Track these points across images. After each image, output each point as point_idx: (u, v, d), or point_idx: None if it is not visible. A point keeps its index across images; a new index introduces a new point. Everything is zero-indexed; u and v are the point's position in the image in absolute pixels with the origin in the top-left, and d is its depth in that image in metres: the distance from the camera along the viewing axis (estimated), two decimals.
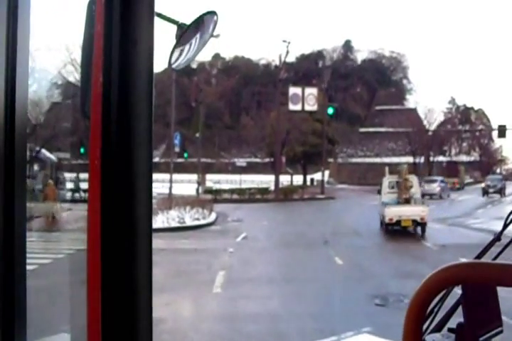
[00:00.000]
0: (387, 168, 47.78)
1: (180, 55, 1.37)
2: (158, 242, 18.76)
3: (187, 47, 1.37)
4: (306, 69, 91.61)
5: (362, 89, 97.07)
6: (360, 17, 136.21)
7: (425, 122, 71.60)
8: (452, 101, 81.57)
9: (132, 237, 0.93)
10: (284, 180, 65.27)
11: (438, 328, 1.29)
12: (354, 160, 76.71)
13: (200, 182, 37.53)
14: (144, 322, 0.95)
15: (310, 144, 49.86)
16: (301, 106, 37.85)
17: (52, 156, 31.78)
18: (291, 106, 37.92)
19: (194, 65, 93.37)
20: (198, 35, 1.38)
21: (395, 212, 20.28)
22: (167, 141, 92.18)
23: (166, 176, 67.21)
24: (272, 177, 66.55)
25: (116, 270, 0.92)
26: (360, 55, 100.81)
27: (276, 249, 17.20)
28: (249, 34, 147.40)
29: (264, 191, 38.19)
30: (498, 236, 1.47)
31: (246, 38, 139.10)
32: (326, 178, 63.16)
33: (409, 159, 67.77)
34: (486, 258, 1.37)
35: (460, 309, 1.18)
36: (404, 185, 21.76)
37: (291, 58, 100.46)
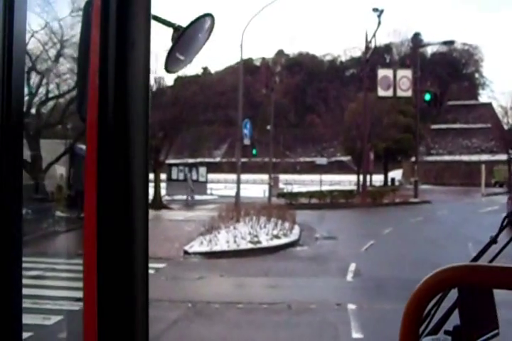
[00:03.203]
0: (483, 167, 38.54)
1: (176, 57, 1.30)
2: (219, 282, 11.17)
3: (184, 50, 1.31)
4: (374, 63, 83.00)
5: (432, 84, 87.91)
6: (430, 8, 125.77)
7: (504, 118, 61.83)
8: None
9: (130, 238, 0.90)
10: (353, 180, 57.44)
11: (435, 331, 1.24)
12: (429, 158, 68.09)
13: (273, 184, 29.79)
14: (141, 324, 0.91)
15: (393, 139, 41.47)
16: (393, 92, 29.66)
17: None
18: (381, 92, 29.79)
19: (257, 63, 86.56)
20: (194, 38, 1.33)
21: None
22: (229, 141, 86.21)
23: (228, 176, 60.66)
24: (342, 178, 59.46)
25: (112, 272, 0.89)
26: (430, 48, 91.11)
27: None
28: (313, 30, 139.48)
29: (349, 194, 30.22)
30: (494, 239, 1.38)
31: (310, 34, 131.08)
32: (398, 178, 55.22)
33: (485, 157, 60.34)
34: (483, 261, 1.23)
35: (457, 312, 1.15)
36: None
37: (357, 52, 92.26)
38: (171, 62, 1.29)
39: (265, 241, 15.56)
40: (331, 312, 8.71)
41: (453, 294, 1.12)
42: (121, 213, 0.89)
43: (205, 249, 14.57)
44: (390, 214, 25.75)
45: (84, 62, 0.94)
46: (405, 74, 30.18)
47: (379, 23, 27.21)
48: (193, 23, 1.32)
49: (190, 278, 11.42)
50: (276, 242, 15.71)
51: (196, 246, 14.82)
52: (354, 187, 43.75)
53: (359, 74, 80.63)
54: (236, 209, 18.47)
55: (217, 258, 14.11)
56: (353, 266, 12.36)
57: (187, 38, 1.30)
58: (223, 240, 15.20)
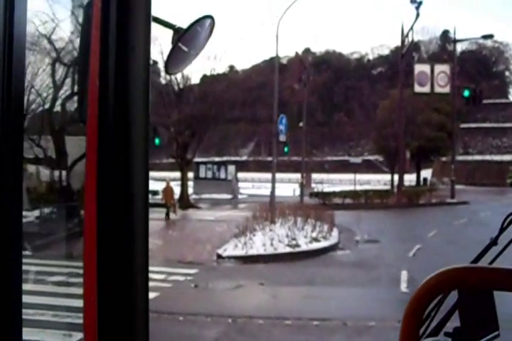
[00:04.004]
0: None
1: (177, 58, 1.30)
2: (259, 292, 9.93)
3: (184, 51, 1.30)
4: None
5: (462, 82, 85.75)
6: (458, 5, 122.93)
7: None
8: None
9: (129, 239, 0.89)
10: (382, 179, 55.79)
11: (435, 332, 1.23)
12: (460, 158, 66.17)
13: (305, 183, 28.47)
14: (141, 324, 0.92)
15: (426, 138, 39.77)
16: (430, 88, 28.04)
17: None
18: (418, 88, 28.16)
19: (284, 61, 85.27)
20: (194, 39, 1.31)
21: None
22: (256, 139, 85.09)
23: (255, 175, 59.55)
24: (370, 177, 57.86)
25: (112, 272, 0.88)
26: (460, 46, 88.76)
27: None
28: (340, 28, 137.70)
29: (385, 194, 28.75)
30: (494, 241, 1.35)
31: (337, 32, 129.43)
32: (428, 177, 53.44)
33: None
34: (483, 263, 1.28)
35: (457, 313, 1.15)
36: None
37: (384, 51, 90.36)
38: (172, 63, 1.29)
39: (304, 245, 14.27)
40: (395, 331, 7.40)
41: (453, 296, 1.10)
42: (121, 213, 0.88)
43: (240, 252, 13.35)
44: (429, 216, 24.23)
45: (84, 64, 0.93)
46: (443, 70, 28.56)
47: (417, 15, 25.69)
48: (193, 24, 1.31)
49: (226, 286, 10.18)
50: (315, 245, 14.41)
51: (230, 250, 13.61)
52: (384, 187, 42.30)
53: (388, 71, 79.01)
54: (271, 210, 17.19)
55: (253, 262, 12.89)
56: (404, 274, 11.01)
57: (187, 40, 1.28)
58: (259, 243, 13.95)
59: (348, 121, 78.31)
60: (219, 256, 13.26)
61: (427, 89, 28.37)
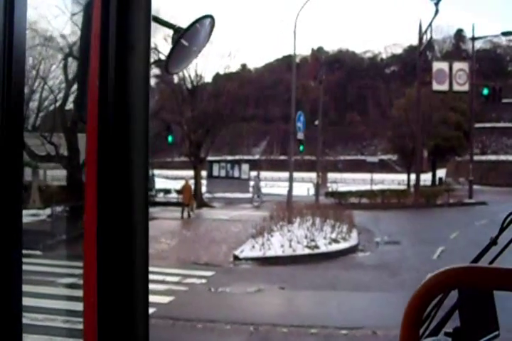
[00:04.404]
0: None
1: (177, 58, 1.30)
2: (281, 296, 9.41)
3: (184, 50, 1.30)
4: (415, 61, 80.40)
5: (477, 81, 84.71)
6: (471, 3, 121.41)
7: None
8: None
9: (130, 238, 0.88)
10: (396, 179, 55.02)
11: (435, 332, 1.23)
12: (474, 158, 65.35)
13: (321, 182, 27.88)
14: (141, 324, 0.90)
15: (442, 137, 38.98)
16: (449, 86, 27.30)
17: None
18: (436, 86, 27.42)
19: (297, 60, 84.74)
20: (195, 39, 1.32)
21: None
22: (268, 138, 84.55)
23: (267, 174, 59.03)
24: (384, 176, 57.09)
25: (112, 273, 0.88)
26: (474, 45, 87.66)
27: None
28: (353, 27, 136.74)
29: (402, 194, 28.08)
30: (494, 240, 1.35)
31: (350, 31, 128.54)
32: (442, 177, 52.59)
33: None
34: (483, 263, 1.27)
35: (457, 313, 1.15)
36: None
37: (397, 50, 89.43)
38: (172, 63, 1.28)
39: (323, 246, 13.70)
40: None
41: (453, 295, 1.09)
42: (121, 213, 0.88)
43: (257, 253, 12.82)
44: (448, 216, 23.56)
45: (84, 63, 0.93)
46: (462, 67, 27.85)
47: (436, 11, 24.97)
48: (193, 24, 1.31)
49: (246, 290, 9.62)
50: (335, 247, 13.84)
51: (247, 251, 13.08)
52: (398, 187, 41.59)
53: (401, 70, 78.06)
54: (288, 209, 16.62)
55: (271, 264, 12.35)
56: None
57: (187, 39, 1.28)
58: (277, 244, 13.41)
59: (361, 120, 77.53)
60: (236, 258, 12.74)
61: (445, 87, 27.69)
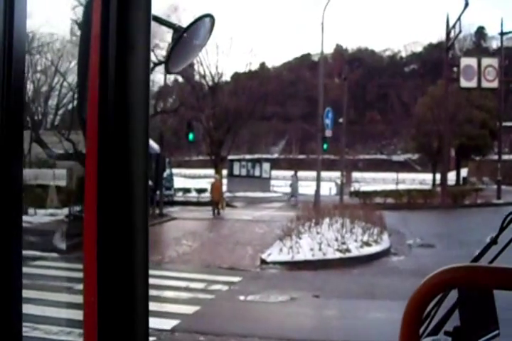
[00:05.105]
0: None
1: (177, 58, 1.28)
2: (316, 306, 8.55)
3: (184, 50, 1.28)
4: (437, 59, 79.02)
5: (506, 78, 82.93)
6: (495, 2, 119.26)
7: None
8: None
9: (130, 238, 0.88)
10: (417, 178, 53.84)
11: (435, 331, 1.21)
12: (495, 157, 63.91)
13: (345, 181, 26.98)
14: (141, 325, 0.89)
15: (468, 136, 37.84)
16: (477, 82, 26.23)
17: (155, 146, 22.22)
18: (464, 83, 26.36)
19: (315, 58, 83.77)
20: (195, 38, 1.31)
21: None
22: (287, 137, 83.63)
23: (286, 173, 58.12)
24: (404, 176, 55.88)
25: (112, 272, 0.87)
26: (495, 43, 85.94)
27: None
28: (372, 25, 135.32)
29: (428, 194, 27.08)
30: (494, 240, 1.33)
31: (369, 30, 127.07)
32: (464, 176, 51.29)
33: None
34: (483, 262, 1.24)
35: (457, 312, 1.15)
36: None
37: (417, 48, 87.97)
38: (172, 63, 1.27)
39: (355, 249, 12.83)
40: None
41: (453, 295, 1.09)
42: (121, 213, 0.88)
43: (285, 257, 11.99)
44: (479, 217, 22.48)
45: (84, 63, 0.93)
46: (491, 63, 26.74)
47: (466, 4, 23.91)
48: (193, 23, 1.31)
49: (277, 299, 8.77)
50: (367, 250, 12.96)
51: (275, 254, 12.25)
52: (420, 186, 40.54)
53: (421, 69, 76.63)
54: (315, 210, 15.77)
55: (300, 269, 11.52)
56: None
57: (187, 39, 1.28)
58: (306, 247, 12.57)
59: (381, 119, 76.33)
60: (263, 262, 11.93)
61: (473, 83, 26.61)
